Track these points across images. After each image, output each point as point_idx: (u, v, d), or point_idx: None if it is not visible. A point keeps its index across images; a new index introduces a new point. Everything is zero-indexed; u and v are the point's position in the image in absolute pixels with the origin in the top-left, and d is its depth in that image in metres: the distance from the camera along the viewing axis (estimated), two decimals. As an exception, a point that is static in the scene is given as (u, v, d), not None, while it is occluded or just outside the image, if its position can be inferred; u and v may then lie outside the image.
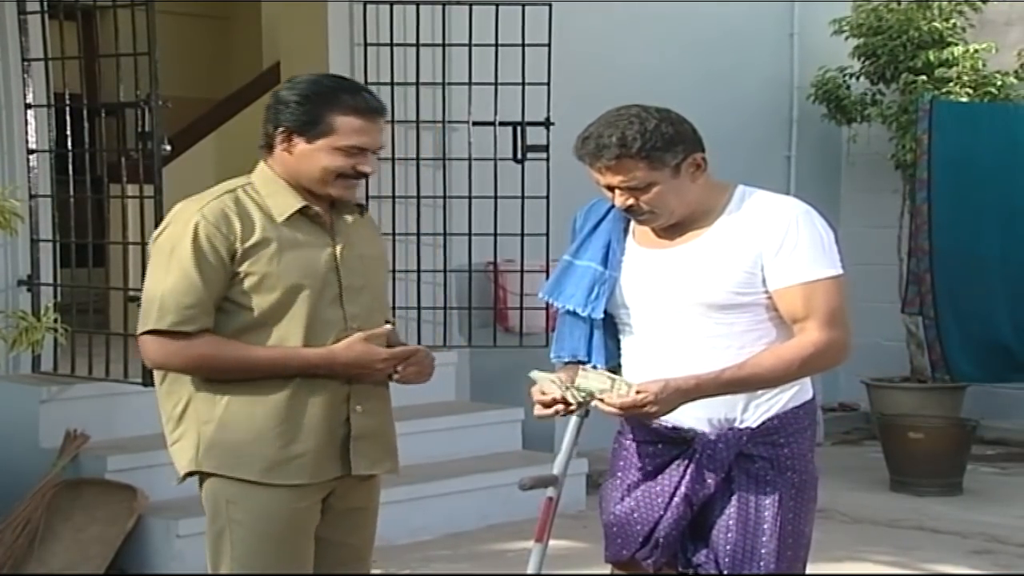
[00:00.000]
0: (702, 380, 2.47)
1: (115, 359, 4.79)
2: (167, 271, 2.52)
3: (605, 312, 2.64)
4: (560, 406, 2.51)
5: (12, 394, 4.82)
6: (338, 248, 2.62)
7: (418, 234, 5.85)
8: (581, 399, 2.49)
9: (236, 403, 2.55)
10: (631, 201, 2.54)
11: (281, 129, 2.58)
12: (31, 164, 4.96)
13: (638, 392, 2.43)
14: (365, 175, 2.61)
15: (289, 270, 2.55)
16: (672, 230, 2.59)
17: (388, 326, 2.64)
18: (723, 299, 2.52)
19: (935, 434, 5.90)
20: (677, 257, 2.56)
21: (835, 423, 7.06)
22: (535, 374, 2.56)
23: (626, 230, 2.66)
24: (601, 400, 2.46)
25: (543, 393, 2.52)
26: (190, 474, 2.60)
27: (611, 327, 2.68)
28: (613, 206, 2.62)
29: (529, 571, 2.72)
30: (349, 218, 2.67)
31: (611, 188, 2.56)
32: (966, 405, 6.46)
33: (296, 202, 2.59)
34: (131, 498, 4.43)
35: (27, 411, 4.73)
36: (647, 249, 2.61)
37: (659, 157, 2.50)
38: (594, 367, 2.57)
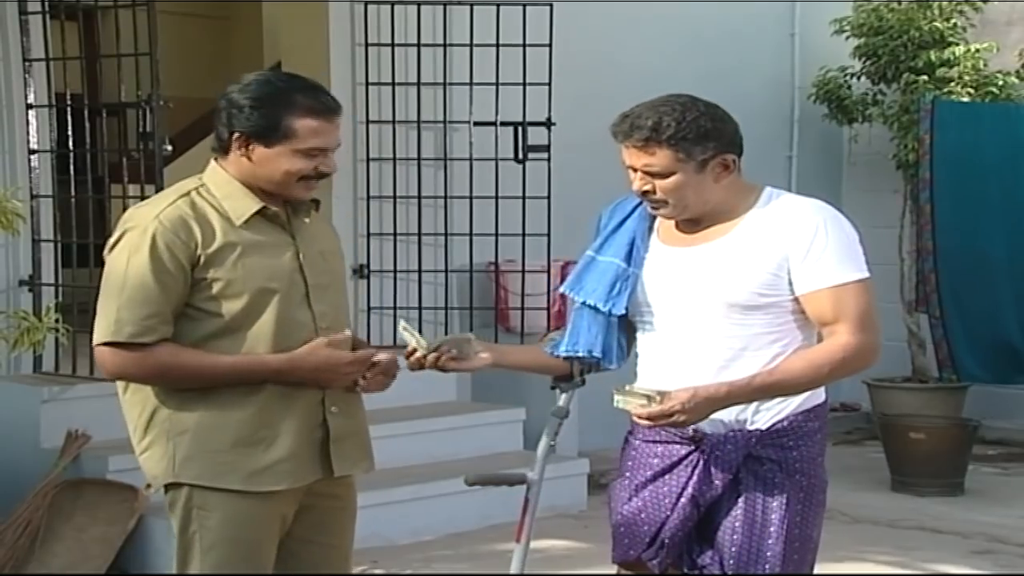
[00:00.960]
0: (733, 387, 2.48)
1: (116, 359, 4.78)
2: (124, 280, 2.47)
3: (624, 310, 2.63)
4: (418, 355, 2.61)
5: (13, 394, 4.82)
6: (300, 247, 2.59)
7: (419, 234, 5.85)
8: (425, 348, 2.60)
9: (210, 412, 2.51)
10: (648, 186, 2.54)
11: (237, 135, 2.54)
12: (32, 164, 4.96)
13: (667, 402, 2.43)
14: (325, 175, 2.57)
15: (254, 273, 2.52)
16: (696, 229, 2.58)
17: (348, 332, 2.61)
18: (745, 299, 2.51)
19: (936, 434, 5.90)
20: (701, 255, 2.56)
21: (836, 423, 7.04)
22: (403, 330, 2.63)
23: (651, 228, 2.65)
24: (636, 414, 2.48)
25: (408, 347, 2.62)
26: (169, 486, 2.56)
27: (624, 326, 2.68)
28: (639, 204, 2.62)
29: (512, 571, 2.72)
30: (306, 216, 2.64)
31: (634, 169, 2.55)
32: (967, 405, 6.46)
33: (254, 204, 2.55)
34: (132, 498, 4.43)
35: (28, 411, 4.73)
36: (671, 247, 2.61)
37: (686, 148, 2.49)
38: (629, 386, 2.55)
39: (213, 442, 2.52)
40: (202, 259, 2.49)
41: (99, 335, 2.51)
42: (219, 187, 2.57)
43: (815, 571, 2.64)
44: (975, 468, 6.04)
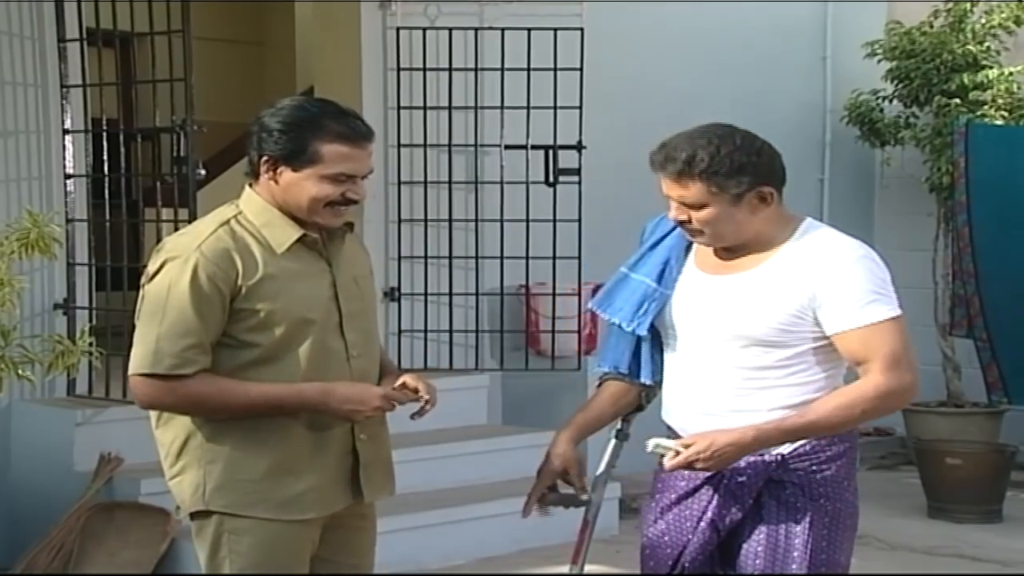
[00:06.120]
0: (761, 432, 2.46)
1: (149, 382, 4.81)
2: (164, 311, 2.45)
3: (652, 328, 2.63)
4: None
5: (47, 417, 4.85)
6: (335, 275, 2.58)
7: (450, 257, 5.86)
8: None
9: (244, 442, 2.51)
10: (684, 216, 2.53)
11: (265, 158, 2.53)
12: (68, 189, 5.00)
13: (686, 447, 2.44)
14: (354, 202, 2.56)
15: (294, 304, 2.50)
16: (732, 256, 2.57)
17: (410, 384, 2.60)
18: (764, 334, 2.50)
19: (973, 460, 5.82)
20: (730, 285, 2.54)
21: (870, 448, 6.98)
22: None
23: (688, 249, 2.64)
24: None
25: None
26: (197, 513, 2.56)
27: (657, 342, 2.67)
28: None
29: None
30: (340, 241, 2.63)
31: (671, 199, 2.55)
32: (1005, 430, 6.37)
33: (295, 232, 2.54)
34: (164, 521, 4.44)
35: (62, 434, 4.76)
36: (704, 274, 2.60)
37: (719, 182, 2.48)
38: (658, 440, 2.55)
39: (245, 472, 2.51)
40: (243, 290, 2.47)
41: (136, 365, 2.48)
42: (257, 215, 2.55)
43: None
44: (1013, 495, 5.95)
